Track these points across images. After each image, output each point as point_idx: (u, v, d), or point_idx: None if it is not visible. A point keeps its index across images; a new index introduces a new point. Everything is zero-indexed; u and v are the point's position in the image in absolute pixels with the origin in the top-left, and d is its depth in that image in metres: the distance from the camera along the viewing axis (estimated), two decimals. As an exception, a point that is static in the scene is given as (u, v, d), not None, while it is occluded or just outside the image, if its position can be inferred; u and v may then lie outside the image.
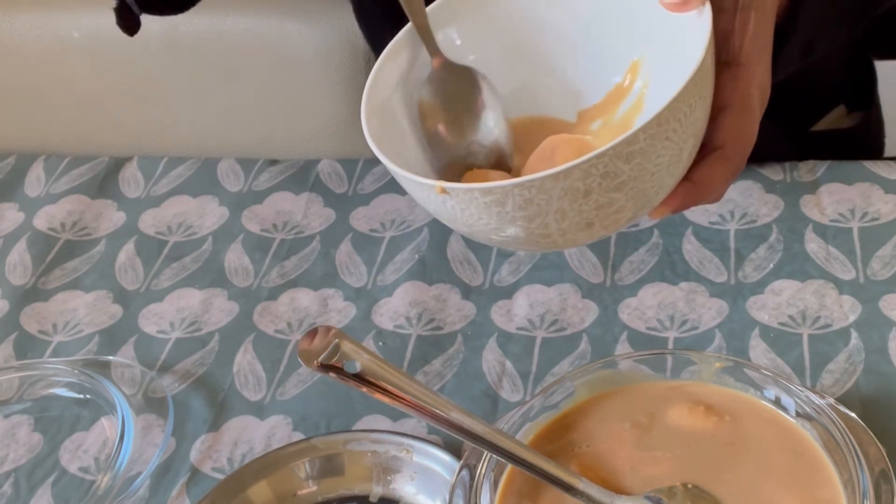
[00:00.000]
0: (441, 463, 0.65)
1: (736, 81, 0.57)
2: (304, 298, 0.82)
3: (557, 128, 0.65)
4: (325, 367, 0.52)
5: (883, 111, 1.03)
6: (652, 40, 0.61)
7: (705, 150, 0.57)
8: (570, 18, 0.64)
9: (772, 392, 0.60)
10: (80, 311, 0.85)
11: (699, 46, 0.53)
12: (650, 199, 0.55)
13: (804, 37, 0.67)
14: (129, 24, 0.79)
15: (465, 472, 0.58)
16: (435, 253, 0.84)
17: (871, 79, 1.01)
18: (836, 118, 0.98)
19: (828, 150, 0.88)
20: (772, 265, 0.77)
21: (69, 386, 0.77)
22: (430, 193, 0.54)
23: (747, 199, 0.83)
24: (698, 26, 0.55)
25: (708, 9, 0.55)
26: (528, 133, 0.64)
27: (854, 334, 0.71)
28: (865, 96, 1.01)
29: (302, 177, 0.95)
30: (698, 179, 0.57)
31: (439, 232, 0.85)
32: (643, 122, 0.51)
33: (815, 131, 0.97)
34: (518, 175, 0.60)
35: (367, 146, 0.57)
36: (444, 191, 0.53)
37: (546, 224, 0.53)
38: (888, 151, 1.04)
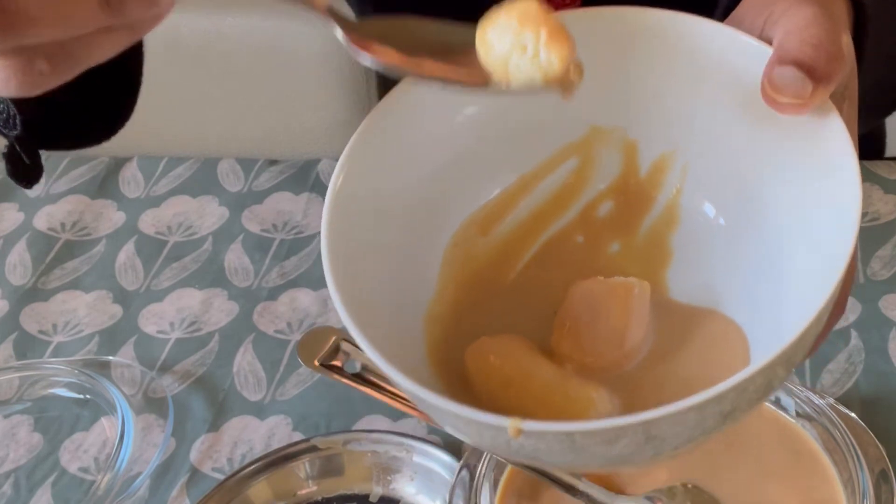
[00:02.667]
0: (441, 463, 0.65)
1: None
2: (304, 298, 0.82)
3: (563, 251, 0.51)
4: (325, 367, 0.52)
5: (883, 111, 1.03)
6: (695, 131, 0.48)
7: None
8: None
9: (772, 392, 0.60)
10: (80, 311, 0.85)
11: (846, 191, 0.40)
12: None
13: None
14: (25, 173, 0.58)
15: (465, 472, 0.58)
16: (435, 253, 0.84)
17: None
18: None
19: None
20: (772, 265, 0.77)
21: (69, 386, 0.77)
22: (491, 433, 0.38)
23: (747, 199, 0.83)
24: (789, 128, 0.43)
25: (842, 129, 0.42)
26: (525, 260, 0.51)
27: (854, 334, 0.71)
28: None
29: (302, 177, 0.95)
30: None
31: (439, 232, 0.85)
32: (807, 311, 0.37)
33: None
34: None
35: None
36: (520, 432, 0.36)
37: (654, 456, 0.39)
38: (888, 151, 1.04)
